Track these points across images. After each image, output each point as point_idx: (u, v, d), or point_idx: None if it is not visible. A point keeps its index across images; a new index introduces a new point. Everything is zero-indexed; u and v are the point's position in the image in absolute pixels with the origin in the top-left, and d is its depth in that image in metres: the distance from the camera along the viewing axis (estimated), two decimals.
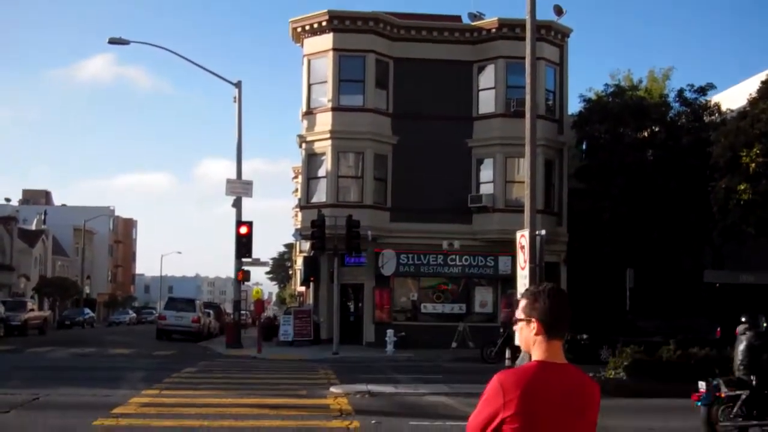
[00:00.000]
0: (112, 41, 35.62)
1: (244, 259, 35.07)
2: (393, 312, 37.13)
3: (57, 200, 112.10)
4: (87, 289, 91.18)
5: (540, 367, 3.41)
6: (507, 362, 22.08)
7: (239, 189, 36.01)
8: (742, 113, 32.37)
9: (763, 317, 13.45)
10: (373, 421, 13.85)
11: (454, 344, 34.44)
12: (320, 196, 36.73)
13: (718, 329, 30.20)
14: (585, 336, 30.29)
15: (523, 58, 20.57)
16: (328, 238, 31.43)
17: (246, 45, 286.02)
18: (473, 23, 38.50)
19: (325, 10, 36.65)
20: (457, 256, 37.19)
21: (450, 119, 37.06)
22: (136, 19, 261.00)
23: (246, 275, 35.80)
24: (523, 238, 19.08)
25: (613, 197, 36.39)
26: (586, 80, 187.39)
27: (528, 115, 19.94)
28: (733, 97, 38.63)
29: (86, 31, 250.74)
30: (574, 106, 41.63)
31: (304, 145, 37.70)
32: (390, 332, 32.60)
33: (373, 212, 36.02)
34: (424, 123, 36.71)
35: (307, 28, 37.44)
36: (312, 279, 38.85)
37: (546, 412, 3.29)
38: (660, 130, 38.46)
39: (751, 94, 32.75)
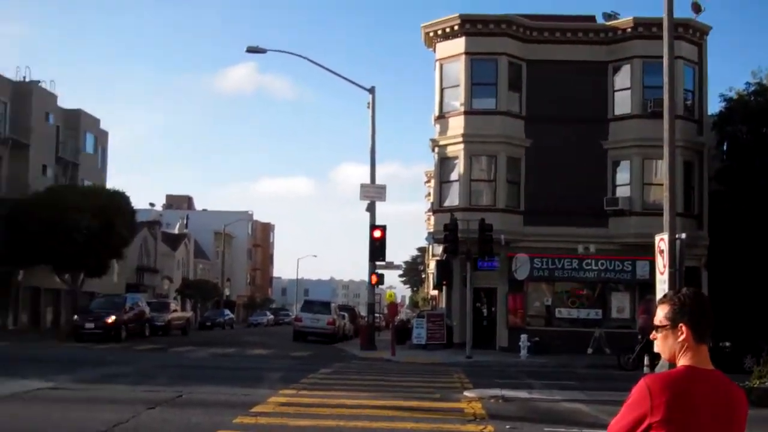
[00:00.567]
0: (250, 50, 36.77)
1: (377, 263, 35.46)
2: (527, 317, 36.79)
3: (198, 205, 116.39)
4: (227, 291, 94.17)
5: (688, 372, 3.34)
6: (645, 369, 21.56)
7: (373, 193, 36.46)
8: None
9: None
10: (507, 426, 13.78)
11: (589, 350, 33.84)
12: (453, 199, 36.78)
13: None
14: (728, 344, 29.17)
15: (660, 57, 20.07)
16: (461, 242, 31.42)
17: (380, 51, 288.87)
18: (608, 23, 37.77)
19: (457, 14, 36.74)
20: (593, 261, 36.50)
21: (584, 121, 36.44)
22: (274, 29, 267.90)
23: (380, 278, 36.21)
24: (662, 241, 18.60)
25: (756, 199, 34.95)
26: (726, 79, 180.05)
27: (666, 115, 19.43)
28: None
29: (228, 40, 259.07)
30: (714, 106, 40.30)
31: (436, 149, 37.86)
32: (524, 337, 32.33)
33: (505, 216, 35.81)
34: (557, 125, 36.24)
35: (439, 32, 37.61)
36: (445, 283, 38.89)
37: (694, 418, 3.23)
38: None
39: None
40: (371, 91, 37.83)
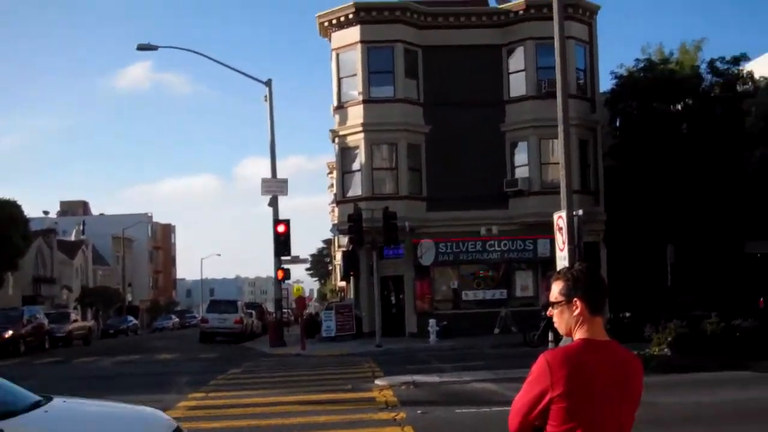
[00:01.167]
0: (141, 47, 35.83)
1: (283, 258, 35.16)
2: (434, 301, 37.04)
3: (97, 210, 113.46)
4: (129, 297, 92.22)
5: (585, 344, 3.41)
6: (550, 345, 21.89)
7: (274, 188, 36.08)
8: None
9: None
10: (419, 411, 13.79)
11: (496, 330, 34.24)
12: (356, 189, 36.70)
13: (761, 300, 29.86)
14: (628, 314, 30.08)
15: (552, 38, 20.33)
16: (366, 232, 31.39)
17: (278, 43, 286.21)
18: (500, 6, 38.22)
19: (352, 3, 36.58)
20: (496, 242, 37.00)
21: (482, 105, 36.81)
22: (168, 25, 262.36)
23: (286, 273, 35.89)
24: (560, 219, 18.89)
25: (648, 173, 35.99)
26: (617, 57, 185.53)
27: (559, 95, 19.70)
28: (766, 65, 38.00)
29: (121, 40, 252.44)
30: (605, 83, 41.30)
31: (337, 140, 37.69)
32: (432, 322, 32.53)
33: (409, 203, 35.94)
34: (456, 110, 36.50)
35: (334, 21, 37.40)
36: (352, 273, 38.85)
37: (593, 389, 3.29)
38: (693, 102, 37.98)
39: None
40: (268, 84, 37.42)
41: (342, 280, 59.81)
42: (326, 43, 38.88)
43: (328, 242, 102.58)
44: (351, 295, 42.80)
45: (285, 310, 45.44)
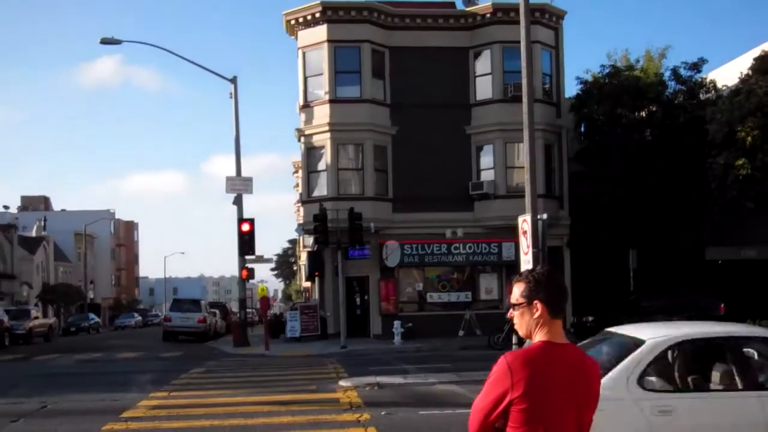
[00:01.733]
0: (105, 41, 35.45)
1: (247, 257, 35.01)
2: (399, 303, 37.07)
3: (60, 206, 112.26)
4: (91, 294, 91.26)
5: (545, 347, 3.45)
6: (514, 347, 22.04)
7: (239, 186, 35.90)
8: (736, 89, 32.37)
9: None
10: (383, 413, 13.83)
11: (461, 332, 34.45)
12: (321, 189, 36.63)
13: (722, 305, 30.25)
14: (591, 318, 30.31)
15: (519, 42, 20.45)
16: (331, 232, 31.35)
17: (244, 40, 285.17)
18: (468, 9, 38.35)
19: (319, 2, 36.44)
20: (461, 245, 37.13)
21: (448, 107, 36.94)
22: (137, 19, 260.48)
23: (250, 273, 35.75)
24: (525, 223, 19.02)
25: (612, 179, 36.32)
26: (583, 62, 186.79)
27: (525, 99, 19.83)
28: (727, 74, 38.51)
29: (86, 34, 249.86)
30: (571, 89, 41.49)
31: (302, 139, 37.60)
32: (397, 323, 32.61)
33: (375, 204, 35.96)
34: (422, 112, 36.60)
35: (301, 20, 37.29)
36: (317, 274, 38.81)
37: (552, 391, 3.34)
38: (657, 109, 38.35)
39: (742, 72, 32.89)
40: (233, 81, 37.26)
41: (307, 280, 59.69)
42: (293, 42, 38.79)
43: (294, 242, 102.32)
44: (316, 295, 42.76)
45: (249, 310, 45.19)
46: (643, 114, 38.98)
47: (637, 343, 7.75)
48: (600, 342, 8.80)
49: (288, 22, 37.93)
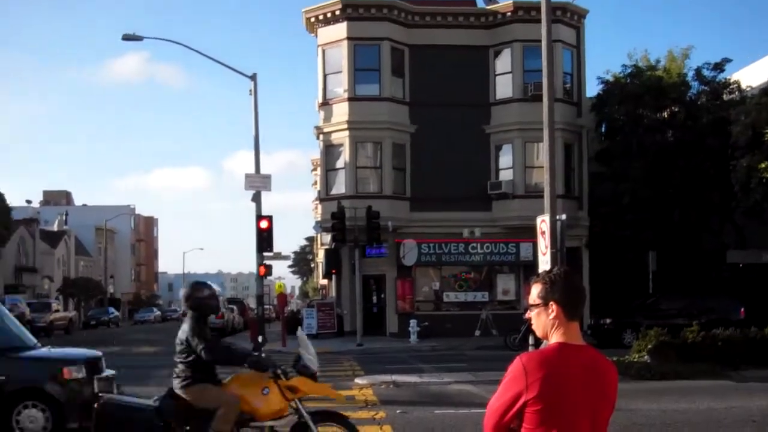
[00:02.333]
0: (127, 37, 35.54)
1: (265, 254, 34.97)
2: (415, 302, 37.04)
3: (80, 200, 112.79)
4: (111, 289, 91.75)
5: (561, 348, 3.43)
6: (530, 348, 21.92)
7: (258, 183, 35.85)
8: (764, 90, 31.98)
9: None
10: (398, 411, 13.78)
11: (477, 332, 34.36)
12: (339, 187, 36.62)
13: (742, 309, 29.92)
14: (608, 320, 30.09)
15: (539, 41, 20.31)
16: (349, 230, 31.33)
17: (265, 37, 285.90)
18: (488, 7, 38.24)
19: None
20: (478, 244, 37.03)
21: (467, 106, 36.81)
22: (165, 18, 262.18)
23: (268, 270, 35.71)
24: (543, 223, 18.88)
25: (633, 179, 36.07)
26: (604, 62, 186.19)
27: (545, 98, 19.69)
28: (752, 75, 38.21)
29: (113, 32, 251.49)
30: (592, 88, 41.35)
31: (321, 137, 37.61)
32: (413, 322, 32.56)
33: (392, 202, 35.90)
34: (441, 110, 36.49)
35: (321, 17, 37.29)
36: (334, 271, 38.81)
37: (568, 393, 3.32)
38: (679, 110, 38.07)
39: None
40: (253, 78, 37.21)
41: (324, 278, 59.74)
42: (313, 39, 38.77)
43: (312, 240, 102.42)
44: (333, 293, 42.76)
45: (266, 307, 45.27)
46: (665, 114, 38.71)
47: None
48: None
49: (308, 19, 37.94)
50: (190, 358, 8.28)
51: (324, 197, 37.81)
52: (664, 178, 35.93)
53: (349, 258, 34.78)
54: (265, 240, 34.43)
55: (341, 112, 36.61)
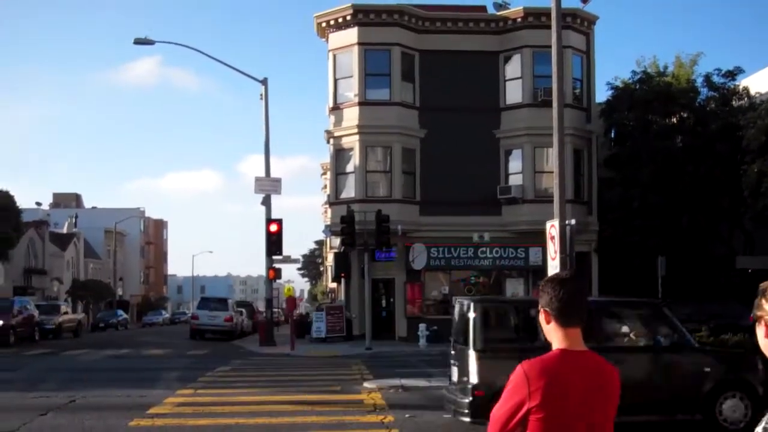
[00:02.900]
0: (138, 41, 35.85)
1: (274, 257, 35.16)
2: (425, 306, 37.09)
3: (91, 204, 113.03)
4: (120, 291, 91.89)
5: (562, 355, 3.41)
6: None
7: (268, 187, 36.07)
8: None
9: None
10: (407, 415, 13.85)
11: None
12: (349, 191, 36.73)
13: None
14: None
15: (550, 47, 20.37)
16: (358, 234, 31.41)
17: (277, 42, 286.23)
18: (498, 13, 38.32)
19: (350, 4, 36.62)
20: (488, 249, 37.07)
21: (477, 111, 36.88)
22: (179, 23, 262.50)
23: (277, 273, 35.90)
24: (553, 228, 18.92)
25: (642, 185, 36.09)
26: (613, 68, 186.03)
27: (555, 104, 19.75)
28: (762, 81, 38.14)
29: (125, 36, 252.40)
30: (601, 94, 41.34)
31: (331, 141, 37.74)
32: (422, 326, 32.61)
33: (402, 206, 35.98)
34: (451, 115, 36.55)
35: (332, 22, 37.44)
36: (343, 275, 38.87)
37: (570, 399, 3.31)
38: (688, 116, 38.08)
39: None
40: (263, 82, 37.44)
41: (333, 281, 59.77)
42: (324, 44, 38.91)
43: (321, 243, 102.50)
44: (342, 296, 42.82)
45: (275, 310, 45.39)
46: (675, 120, 38.71)
47: None
48: None
49: (319, 24, 38.09)
50: None
51: (334, 201, 37.92)
52: (673, 183, 35.92)
53: (359, 262, 34.86)
54: (274, 243, 34.62)
55: (351, 116, 36.73)
